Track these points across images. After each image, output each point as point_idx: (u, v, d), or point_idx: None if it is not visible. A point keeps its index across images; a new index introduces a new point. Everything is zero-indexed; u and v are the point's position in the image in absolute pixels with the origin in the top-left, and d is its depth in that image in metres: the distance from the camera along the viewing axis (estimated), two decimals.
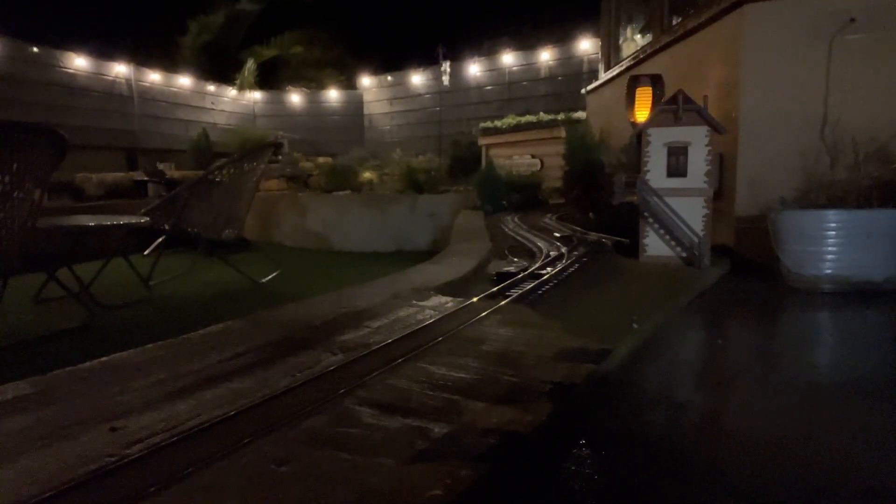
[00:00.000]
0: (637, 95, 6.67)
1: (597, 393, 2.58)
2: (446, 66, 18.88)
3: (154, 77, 17.29)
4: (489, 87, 18.71)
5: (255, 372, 2.62)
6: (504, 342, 3.03)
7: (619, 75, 9.11)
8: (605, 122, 9.54)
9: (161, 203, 5.59)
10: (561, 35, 16.98)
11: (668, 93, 5.89)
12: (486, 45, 18.81)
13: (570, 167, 9.02)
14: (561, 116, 12.81)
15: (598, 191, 7.52)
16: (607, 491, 1.87)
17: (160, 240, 5.61)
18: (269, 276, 5.78)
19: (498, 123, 14.28)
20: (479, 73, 18.84)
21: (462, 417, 2.12)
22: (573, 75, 16.40)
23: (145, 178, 13.43)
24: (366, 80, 21.55)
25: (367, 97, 21.65)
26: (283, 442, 1.95)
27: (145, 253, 5.77)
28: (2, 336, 3.65)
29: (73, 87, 15.10)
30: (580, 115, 12.38)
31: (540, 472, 1.97)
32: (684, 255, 5.19)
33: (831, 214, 4.49)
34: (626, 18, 10.00)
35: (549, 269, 4.94)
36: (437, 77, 19.28)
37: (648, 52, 7.90)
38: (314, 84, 22.00)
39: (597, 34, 13.84)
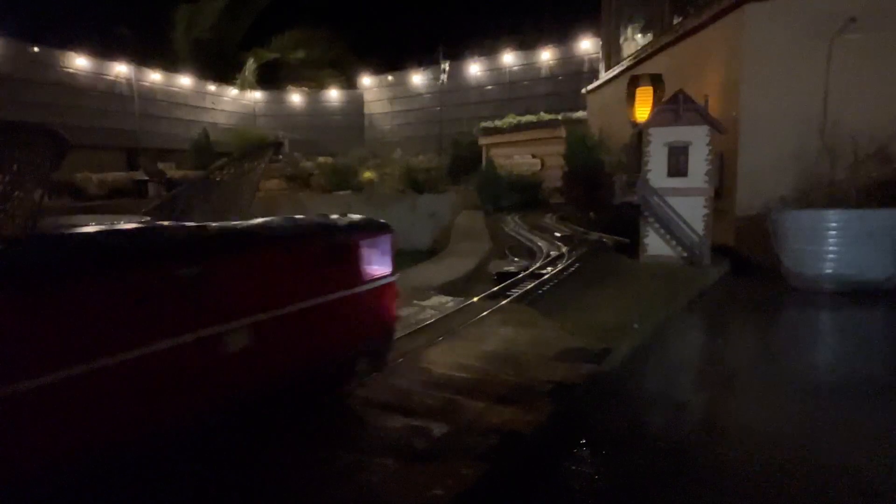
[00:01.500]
0: (637, 95, 6.66)
1: (597, 393, 2.58)
2: (446, 65, 18.87)
3: (154, 77, 17.29)
4: (489, 87, 18.70)
5: None
6: (504, 342, 3.03)
7: (619, 75, 9.10)
8: (605, 122, 9.54)
9: (162, 203, 5.59)
10: (561, 35, 16.96)
11: (669, 93, 5.88)
12: (486, 44, 18.80)
13: (571, 167, 9.02)
14: (561, 116, 12.79)
15: (599, 190, 7.52)
16: (607, 491, 1.87)
17: None
18: None
19: (498, 123, 14.26)
20: (479, 73, 18.83)
21: (462, 417, 2.12)
22: (573, 75, 16.36)
23: (146, 178, 13.43)
24: (366, 80, 21.55)
25: (367, 97, 21.65)
26: (283, 442, 1.96)
27: None
28: None
29: (74, 87, 15.11)
30: (580, 114, 12.36)
31: (540, 472, 1.97)
32: (685, 254, 5.19)
33: (831, 214, 4.49)
34: (626, 18, 9.99)
35: (549, 268, 4.94)
36: (438, 77, 19.27)
37: (649, 51, 7.90)
38: (315, 84, 21.98)
39: (597, 34, 13.81)
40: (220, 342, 1.60)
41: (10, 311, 1.19)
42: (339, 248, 2.08)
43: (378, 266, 2.22)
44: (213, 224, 1.84)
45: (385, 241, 2.27)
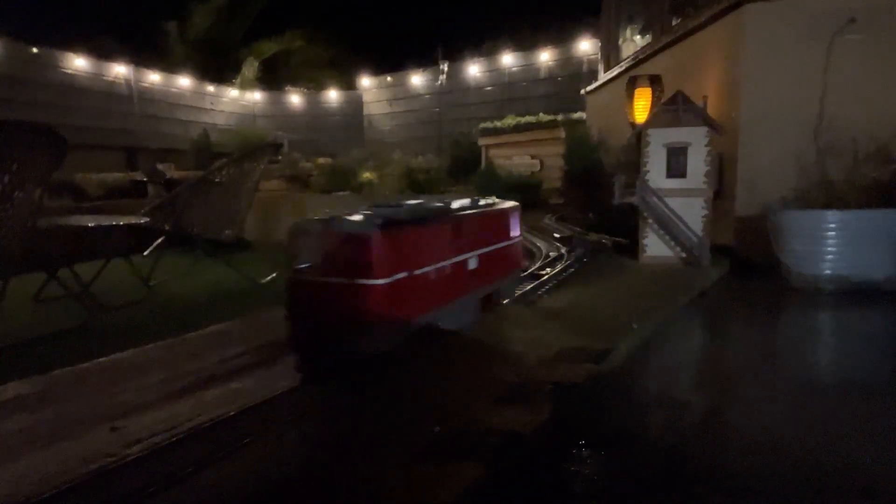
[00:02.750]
0: (637, 96, 6.67)
1: (597, 392, 2.58)
2: (445, 66, 18.86)
3: (154, 77, 17.27)
4: (489, 88, 18.69)
5: (254, 372, 2.62)
6: (504, 342, 3.03)
7: (618, 76, 9.11)
8: (604, 123, 9.54)
9: (161, 203, 5.58)
10: (560, 35, 16.96)
11: (668, 93, 5.88)
12: (485, 45, 18.80)
13: (570, 167, 9.02)
14: (560, 117, 12.78)
15: (598, 191, 7.51)
16: (607, 491, 1.87)
17: (160, 240, 5.60)
18: (269, 277, 5.77)
19: (498, 124, 14.25)
20: (478, 74, 18.82)
21: (462, 417, 2.12)
22: (573, 76, 16.35)
23: (145, 179, 13.41)
24: (366, 81, 21.54)
25: (366, 97, 21.64)
26: (283, 442, 1.96)
27: (145, 253, 5.76)
28: (2, 336, 3.65)
29: (73, 87, 15.09)
30: (580, 115, 12.36)
31: (540, 472, 1.97)
32: (684, 255, 5.19)
33: (831, 214, 4.49)
34: (626, 19, 10.00)
35: (548, 269, 4.94)
36: (437, 78, 19.27)
37: (648, 52, 7.91)
38: (314, 84, 21.99)
39: (597, 34, 13.82)
40: (466, 261, 3.06)
41: (416, 236, 2.66)
42: (503, 215, 3.58)
43: (516, 228, 3.72)
44: (457, 201, 3.34)
45: (518, 214, 3.77)
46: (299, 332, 2.50)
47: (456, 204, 3.24)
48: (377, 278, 2.35)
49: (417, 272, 2.59)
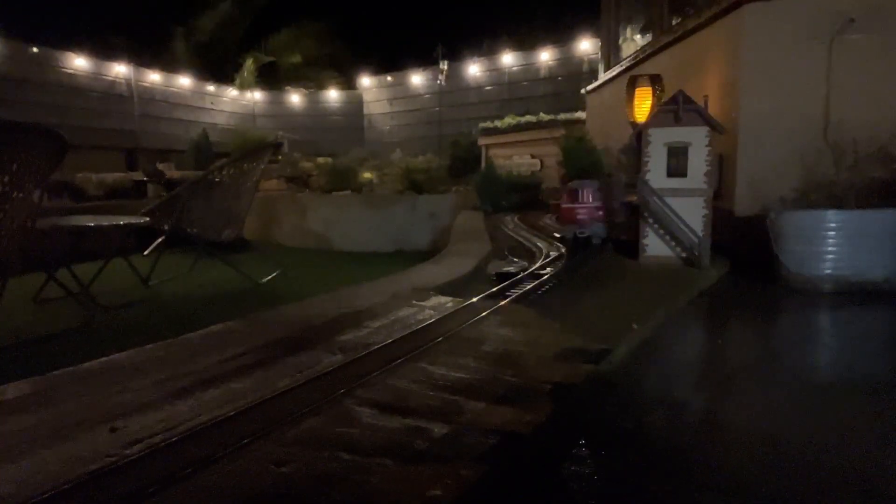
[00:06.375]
0: (637, 95, 6.67)
1: (597, 393, 2.58)
2: (445, 65, 18.83)
3: (154, 77, 17.26)
4: (489, 88, 18.68)
5: (254, 372, 2.62)
6: (504, 342, 3.03)
7: (618, 75, 9.11)
8: (604, 122, 9.54)
9: (161, 203, 5.59)
10: (561, 35, 16.94)
11: (668, 93, 5.88)
12: (485, 45, 18.79)
13: (568, 169, 9.01)
14: (561, 117, 12.77)
15: None
16: (607, 491, 1.87)
17: (160, 240, 5.61)
18: (269, 277, 5.78)
19: (498, 123, 14.22)
20: (478, 73, 18.80)
21: (462, 418, 2.12)
22: (573, 75, 16.34)
23: (145, 179, 13.39)
24: (366, 81, 21.52)
25: (366, 97, 21.62)
26: (282, 442, 1.95)
27: (145, 253, 5.76)
28: (2, 336, 3.65)
29: (73, 87, 15.08)
30: (580, 115, 12.35)
31: (540, 472, 1.96)
32: (684, 255, 5.19)
33: (831, 214, 4.49)
34: (626, 18, 9.99)
35: (548, 269, 4.93)
36: (437, 77, 19.25)
37: (648, 52, 7.90)
38: (314, 84, 21.99)
39: (597, 34, 13.81)
40: (603, 208, 5.87)
41: (601, 191, 5.87)
42: (602, 188, 5.89)
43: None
44: (590, 180, 6.06)
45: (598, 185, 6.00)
46: (565, 229, 5.78)
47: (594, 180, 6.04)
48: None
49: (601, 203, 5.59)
